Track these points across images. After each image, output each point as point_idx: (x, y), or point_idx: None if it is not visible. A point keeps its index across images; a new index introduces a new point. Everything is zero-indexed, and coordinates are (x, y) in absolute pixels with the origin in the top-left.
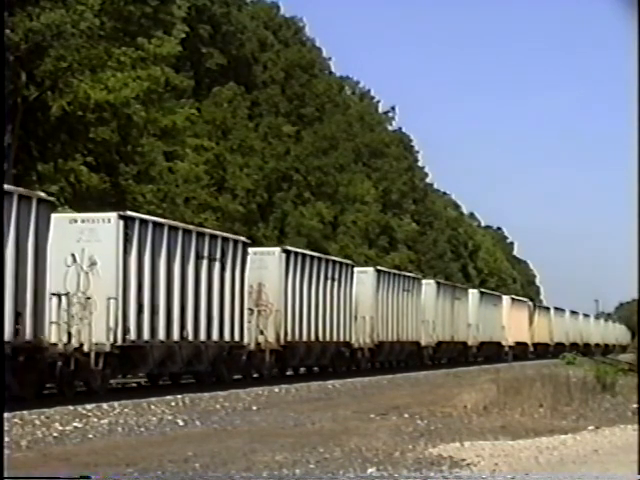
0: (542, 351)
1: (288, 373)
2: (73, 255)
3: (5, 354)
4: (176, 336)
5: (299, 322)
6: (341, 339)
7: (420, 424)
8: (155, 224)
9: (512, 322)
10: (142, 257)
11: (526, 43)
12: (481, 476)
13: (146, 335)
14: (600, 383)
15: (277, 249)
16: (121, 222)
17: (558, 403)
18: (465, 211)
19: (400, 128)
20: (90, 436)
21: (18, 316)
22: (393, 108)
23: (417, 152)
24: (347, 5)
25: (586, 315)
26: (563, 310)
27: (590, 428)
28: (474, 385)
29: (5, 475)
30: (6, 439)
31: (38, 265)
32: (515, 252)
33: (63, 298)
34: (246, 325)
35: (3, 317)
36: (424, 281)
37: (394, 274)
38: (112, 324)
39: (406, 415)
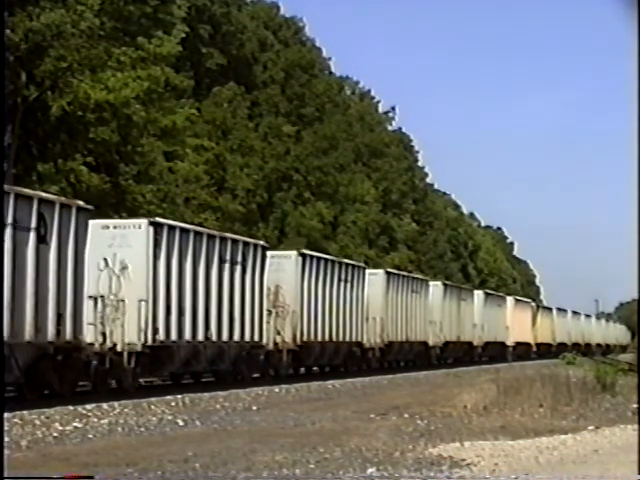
0: (545, 351)
1: (302, 372)
2: (105, 259)
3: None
4: (201, 336)
5: (314, 323)
6: (353, 339)
7: (420, 424)
8: (182, 230)
9: (516, 322)
10: (170, 261)
11: (526, 43)
12: (481, 476)
13: (174, 335)
14: (600, 383)
15: (294, 253)
16: (151, 228)
17: (558, 403)
18: (465, 211)
19: (400, 128)
20: (90, 436)
21: (59, 317)
22: (393, 108)
23: (417, 152)
24: (347, 5)
25: (587, 315)
26: (565, 310)
27: (590, 428)
28: (474, 385)
29: (5, 475)
30: (6, 439)
31: (77, 269)
32: (515, 252)
33: (99, 300)
34: (265, 326)
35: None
36: (431, 283)
37: (403, 276)
38: (143, 325)
39: (406, 415)
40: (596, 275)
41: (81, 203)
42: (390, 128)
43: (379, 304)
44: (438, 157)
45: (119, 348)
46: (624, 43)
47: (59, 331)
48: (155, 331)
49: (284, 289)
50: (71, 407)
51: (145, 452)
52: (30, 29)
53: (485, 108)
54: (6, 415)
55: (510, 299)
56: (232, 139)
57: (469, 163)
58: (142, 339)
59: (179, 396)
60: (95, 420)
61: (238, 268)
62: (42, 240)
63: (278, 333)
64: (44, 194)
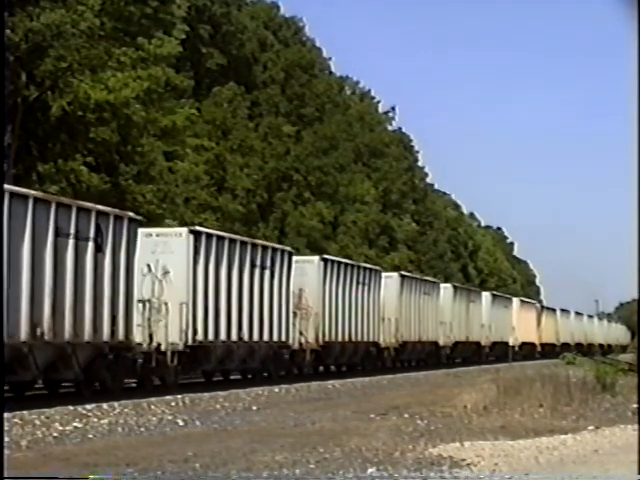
0: (549, 351)
1: (321, 370)
2: (149, 265)
3: None
4: (235, 337)
5: (335, 324)
6: (370, 339)
7: (420, 424)
8: (218, 237)
9: (521, 323)
10: (208, 266)
11: (526, 43)
12: (481, 476)
13: (211, 336)
14: (600, 383)
15: (316, 258)
16: (191, 236)
17: (558, 403)
18: (465, 211)
19: (400, 128)
20: (90, 436)
21: (114, 319)
22: (393, 108)
23: (417, 152)
24: (347, 5)
25: (590, 316)
26: (568, 311)
27: (590, 428)
28: (474, 385)
29: (5, 475)
30: (6, 439)
31: (128, 275)
32: (515, 252)
33: (146, 303)
34: (290, 327)
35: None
36: (442, 285)
37: (416, 279)
38: (184, 326)
39: (406, 415)
40: (596, 275)
41: (132, 214)
42: (390, 128)
43: (394, 306)
44: (438, 157)
45: (163, 347)
46: (624, 43)
47: (113, 332)
48: (195, 332)
49: (307, 292)
50: (71, 407)
51: (145, 452)
52: (30, 29)
53: (485, 108)
54: (6, 415)
55: (516, 300)
56: (232, 139)
57: (469, 163)
58: (183, 339)
59: (179, 396)
60: (95, 420)
61: (267, 272)
62: (99, 249)
63: (301, 334)
64: (101, 207)
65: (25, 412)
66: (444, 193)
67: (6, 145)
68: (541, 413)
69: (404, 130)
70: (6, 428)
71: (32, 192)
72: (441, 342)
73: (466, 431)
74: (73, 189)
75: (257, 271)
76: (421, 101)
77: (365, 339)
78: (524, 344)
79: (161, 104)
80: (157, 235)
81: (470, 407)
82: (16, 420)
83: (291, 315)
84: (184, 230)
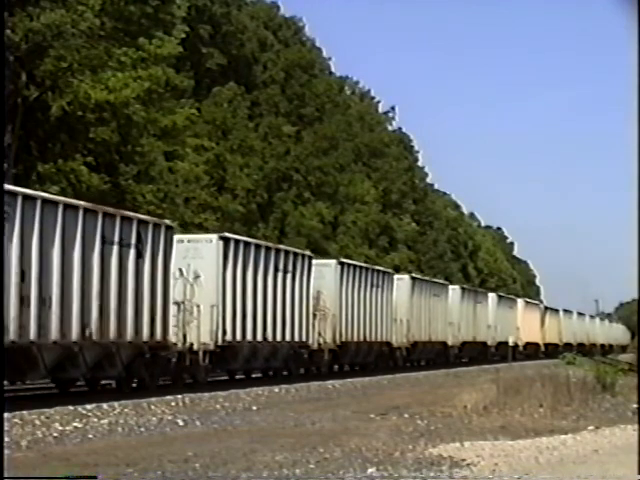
0: (552, 351)
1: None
2: (180, 270)
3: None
4: (260, 337)
5: (351, 324)
6: (384, 339)
7: (420, 424)
8: (245, 243)
9: (525, 323)
10: (236, 271)
11: (526, 43)
12: (481, 476)
13: (238, 336)
14: (600, 383)
15: (333, 261)
16: (221, 242)
17: (558, 403)
18: (465, 211)
19: (400, 128)
20: (90, 436)
21: (152, 321)
22: (393, 108)
23: (417, 152)
24: (347, 5)
25: (592, 316)
26: (571, 312)
27: (590, 428)
28: (474, 385)
29: (5, 475)
30: (6, 439)
31: (165, 279)
32: (515, 252)
33: (180, 305)
34: (310, 327)
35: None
36: (450, 286)
37: (426, 281)
38: (214, 327)
39: (406, 415)
40: (596, 275)
41: (168, 222)
42: (390, 128)
43: (405, 307)
44: (438, 157)
45: (195, 347)
46: (625, 43)
47: (152, 332)
48: (224, 332)
49: (325, 294)
50: (71, 407)
51: (145, 452)
52: (30, 29)
53: (485, 108)
54: (6, 415)
55: (520, 301)
56: (232, 139)
57: (469, 163)
58: (214, 339)
59: (179, 396)
60: (95, 420)
61: (289, 276)
62: (140, 255)
63: (319, 334)
64: (141, 215)
65: (25, 412)
66: (444, 193)
67: (6, 145)
68: (541, 413)
69: (404, 130)
70: (6, 428)
71: (82, 203)
72: (450, 342)
73: (466, 431)
74: (73, 189)
75: (280, 275)
76: (421, 101)
77: (379, 339)
78: (528, 344)
79: (161, 104)
80: (189, 241)
81: (470, 407)
82: (16, 420)
83: (311, 316)
84: (214, 236)
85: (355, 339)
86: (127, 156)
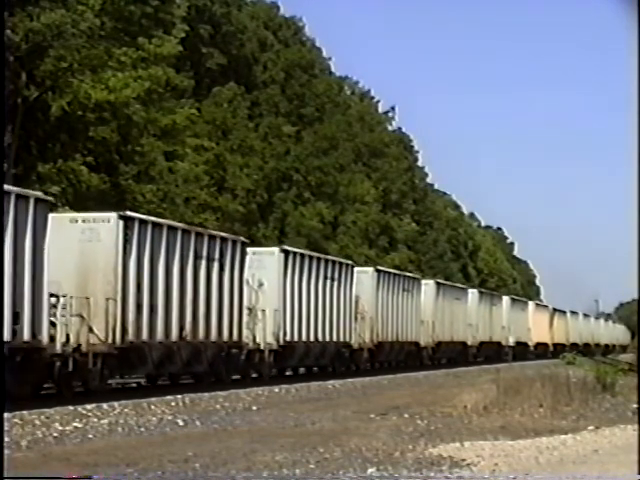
0: (560, 351)
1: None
2: (247, 279)
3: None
4: (312, 337)
5: (385, 326)
6: (413, 339)
7: (420, 424)
8: (302, 255)
9: (536, 325)
10: (294, 279)
11: (526, 43)
12: (481, 476)
13: (295, 337)
14: (600, 383)
15: (371, 269)
16: (282, 254)
17: (558, 403)
18: (465, 211)
19: (400, 128)
20: (90, 436)
21: (231, 324)
22: (393, 108)
23: (417, 152)
24: (347, 5)
25: (596, 317)
26: (577, 313)
27: (590, 428)
28: (474, 385)
29: (5, 475)
30: (6, 439)
31: (240, 288)
32: (515, 252)
33: (251, 310)
34: (352, 329)
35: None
36: (469, 290)
37: (449, 285)
38: (276, 329)
39: (406, 415)
40: (596, 275)
41: (243, 239)
42: (390, 128)
43: (431, 309)
44: (438, 157)
45: (262, 346)
46: (625, 43)
47: (230, 334)
48: (284, 333)
49: (363, 299)
50: (71, 407)
51: (145, 452)
52: (30, 29)
53: (485, 108)
54: (6, 415)
55: (531, 304)
56: (232, 139)
57: (469, 163)
58: (276, 339)
59: (179, 396)
60: (95, 420)
61: (336, 283)
62: (222, 268)
63: (359, 335)
64: (222, 233)
65: (25, 412)
66: (444, 193)
67: (6, 145)
68: (541, 413)
69: (404, 130)
70: (6, 428)
71: (180, 225)
72: (469, 342)
73: (466, 431)
74: (73, 189)
75: (328, 282)
76: (421, 101)
77: (408, 339)
78: (538, 344)
79: (161, 104)
80: (253, 254)
81: (470, 407)
82: (16, 420)
83: (353, 319)
84: (276, 249)
85: (389, 339)
86: (127, 156)
